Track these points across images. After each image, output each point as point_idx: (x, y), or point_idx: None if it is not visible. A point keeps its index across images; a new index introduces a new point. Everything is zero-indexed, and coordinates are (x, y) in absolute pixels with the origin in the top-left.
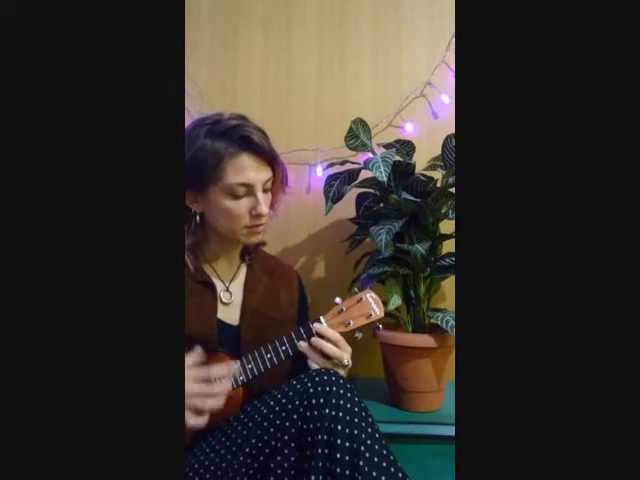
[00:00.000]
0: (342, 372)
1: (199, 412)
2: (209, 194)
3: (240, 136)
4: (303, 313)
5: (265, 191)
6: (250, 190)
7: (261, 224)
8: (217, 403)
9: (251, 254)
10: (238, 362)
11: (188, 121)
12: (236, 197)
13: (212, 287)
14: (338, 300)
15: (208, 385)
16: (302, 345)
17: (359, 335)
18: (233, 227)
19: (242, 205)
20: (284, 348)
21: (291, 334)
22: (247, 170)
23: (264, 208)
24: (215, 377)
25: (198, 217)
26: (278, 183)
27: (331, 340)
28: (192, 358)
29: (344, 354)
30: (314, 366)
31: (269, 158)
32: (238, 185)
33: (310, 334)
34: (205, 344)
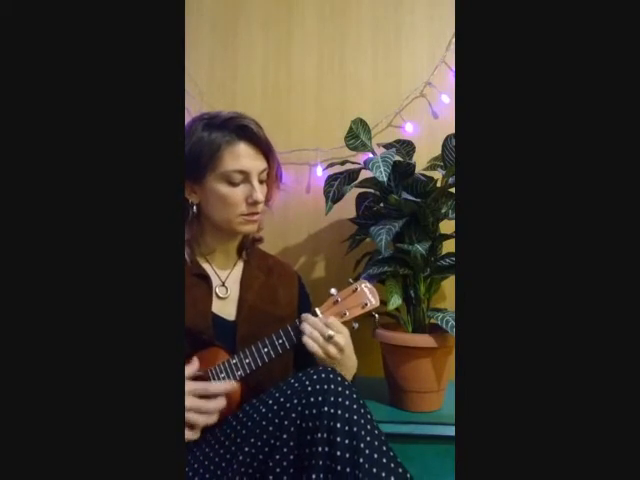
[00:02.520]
0: (337, 353)
1: (191, 426)
2: (206, 183)
3: (237, 125)
4: (305, 311)
5: (260, 182)
6: (246, 178)
7: (257, 212)
8: (210, 420)
9: (247, 250)
10: (236, 358)
11: (188, 121)
12: (233, 184)
13: (207, 280)
14: (333, 291)
15: (204, 401)
16: (302, 322)
17: (356, 325)
18: (229, 215)
19: (238, 192)
20: (281, 341)
21: (287, 327)
22: (243, 157)
23: (260, 195)
24: (212, 393)
25: (195, 208)
26: (273, 176)
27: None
28: (189, 369)
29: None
30: (313, 346)
31: (265, 149)
32: (235, 172)
33: None
34: (200, 336)
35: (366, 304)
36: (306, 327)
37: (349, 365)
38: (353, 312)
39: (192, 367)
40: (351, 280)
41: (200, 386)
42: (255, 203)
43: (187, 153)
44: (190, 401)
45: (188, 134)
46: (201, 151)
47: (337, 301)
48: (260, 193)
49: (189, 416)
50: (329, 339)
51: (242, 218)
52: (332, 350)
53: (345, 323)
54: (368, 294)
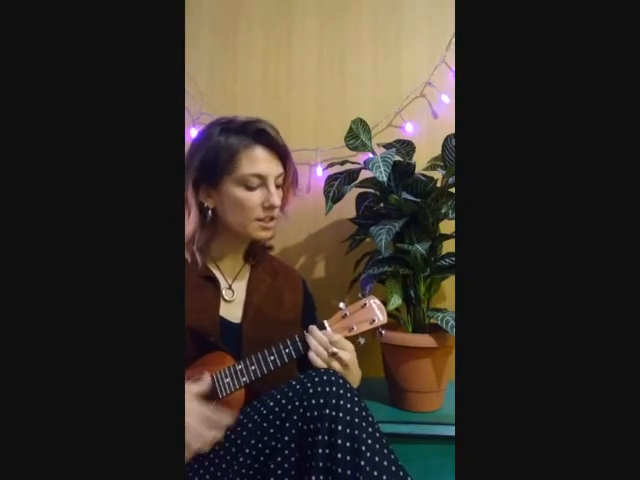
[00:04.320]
0: (341, 368)
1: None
2: (223, 187)
3: (255, 130)
4: (310, 316)
5: (277, 187)
6: (263, 182)
7: (273, 217)
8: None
9: (256, 256)
10: (242, 364)
11: (188, 121)
12: (249, 188)
13: (215, 282)
14: (342, 305)
15: (209, 426)
16: (308, 335)
17: (362, 340)
18: (245, 220)
19: (255, 196)
20: (288, 351)
21: (295, 337)
22: (261, 162)
23: (276, 199)
24: (219, 425)
25: (210, 212)
26: (289, 181)
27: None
28: (199, 387)
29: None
30: (317, 361)
31: (282, 153)
32: (252, 176)
33: None
34: (206, 338)
35: (374, 320)
36: (311, 341)
37: (351, 379)
38: (361, 327)
39: (203, 385)
40: (360, 295)
41: (207, 411)
42: (271, 207)
43: (203, 157)
44: (196, 424)
45: (204, 138)
46: (218, 155)
47: (345, 315)
48: (277, 197)
49: (190, 438)
50: (333, 355)
51: (258, 224)
52: (336, 366)
53: (352, 337)
54: (376, 310)
